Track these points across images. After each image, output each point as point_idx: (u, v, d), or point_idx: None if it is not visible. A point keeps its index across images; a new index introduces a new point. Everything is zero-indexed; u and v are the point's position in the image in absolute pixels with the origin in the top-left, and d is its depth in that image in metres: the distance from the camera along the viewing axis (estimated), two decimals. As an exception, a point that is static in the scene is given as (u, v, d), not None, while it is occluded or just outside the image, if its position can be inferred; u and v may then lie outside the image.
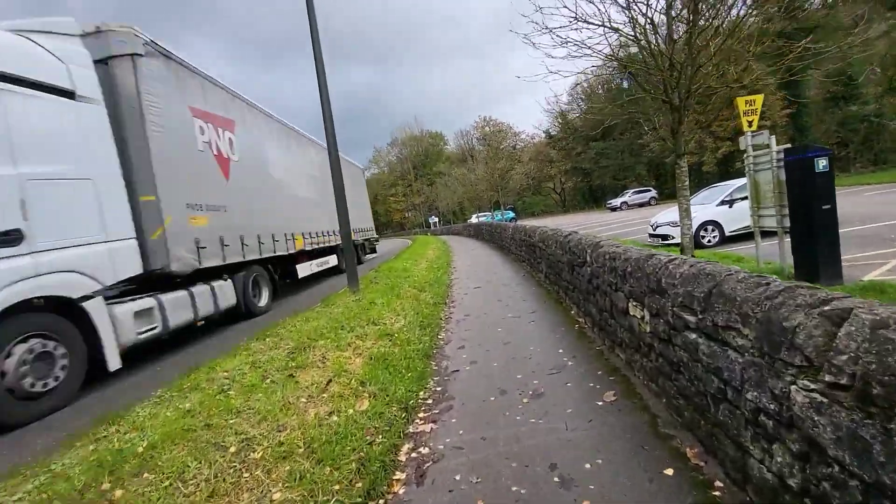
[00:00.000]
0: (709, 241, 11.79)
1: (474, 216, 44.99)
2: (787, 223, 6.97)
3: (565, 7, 7.44)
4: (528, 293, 7.73)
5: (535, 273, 9.27)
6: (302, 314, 6.74)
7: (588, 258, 4.83)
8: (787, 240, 7.06)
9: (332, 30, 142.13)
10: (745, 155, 7.95)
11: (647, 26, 6.92)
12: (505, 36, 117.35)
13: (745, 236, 11.71)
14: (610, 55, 7.74)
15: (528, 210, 67.40)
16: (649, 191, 41.59)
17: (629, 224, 20.60)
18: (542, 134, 69.49)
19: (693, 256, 7.78)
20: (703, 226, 11.84)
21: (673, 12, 6.94)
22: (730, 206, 11.88)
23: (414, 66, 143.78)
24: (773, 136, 7.20)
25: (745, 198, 12.09)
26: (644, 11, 6.74)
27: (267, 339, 5.37)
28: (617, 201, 40.24)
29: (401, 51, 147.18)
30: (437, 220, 62.21)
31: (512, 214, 44.91)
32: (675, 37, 7.08)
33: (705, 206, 12.20)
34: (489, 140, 68.96)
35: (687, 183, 7.74)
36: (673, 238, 12.05)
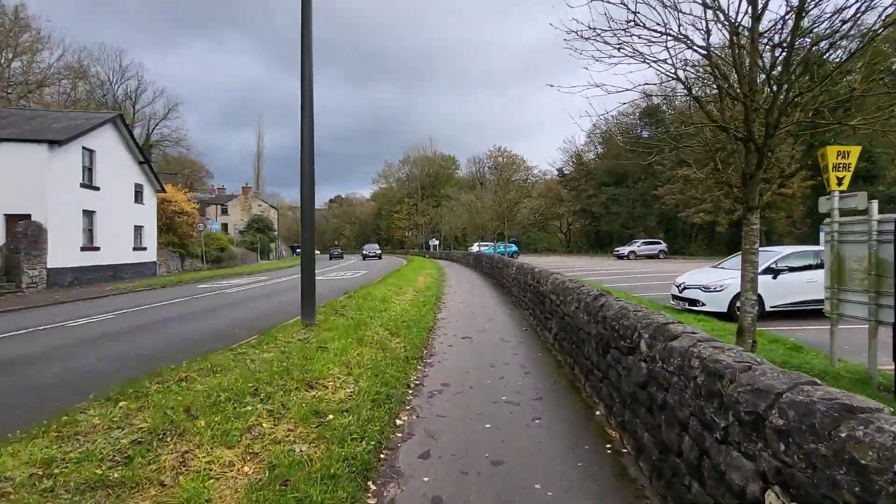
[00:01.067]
0: (745, 315, 9.96)
1: (476, 244, 43.29)
2: (887, 316, 5.20)
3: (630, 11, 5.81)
4: (531, 360, 5.87)
5: (542, 330, 7.42)
6: (215, 357, 4.84)
7: (644, 347, 3.02)
8: (880, 337, 5.31)
9: (360, 49, 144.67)
10: (827, 220, 6.26)
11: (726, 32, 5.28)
12: (530, 74, 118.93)
13: (786, 314, 9.93)
14: (671, 73, 6.04)
15: (532, 245, 65.88)
16: (659, 243, 40.07)
17: (639, 277, 18.82)
18: (555, 171, 68.64)
19: (754, 343, 5.97)
20: (740, 297, 10.04)
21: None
22: (774, 277, 10.13)
23: (438, 92, 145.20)
24: (875, 202, 5.50)
25: (794, 269, 10.43)
26: (727, 12, 5.10)
27: (120, 405, 3.47)
28: (625, 249, 38.62)
29: (427, 74, 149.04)
30: (437, 242, 60.57)
31: (514, 248, 43.20)
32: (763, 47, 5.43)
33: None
34: (501, 170, 67.99)
35: (757, 245, 6.00)
36: (703, 305, 10.25)
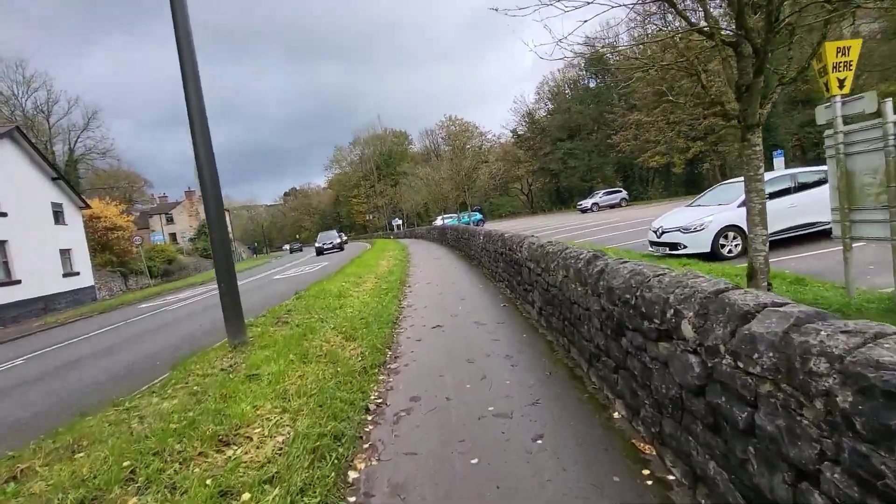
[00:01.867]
0: (730, 252, 9.36)
1: (439, 218, 42.11)
2: (917, 233, 4.45)
3: None
4: (516, 345, 4.86)
5: (522, 304, 6.43)
6: (87, 422, 3.50)
7: (689, 331, 2.01)
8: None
9: (303, 26, 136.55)
10: (828, 132, 5.43)
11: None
12: (474, 44, 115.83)
13: (770, 245, 9.38)
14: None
15: (496, 211, 65.32)
16: (620, 191, 40.01)
17: (608, 227, 18.23)
18: (509, 133, 67.60)
19: (769, 284, 5.15)
20: (723, 232, 9.40)
21: None
22: (754, 208, 9.48)
23: (383, 69, 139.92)
24: (889, 101, 4.65)
25: (773, 196, 9.85)
26: None
27: None
28: (588, 202, 38.33)
29: (368, 52, 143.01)
30: (400, 222, 58.97)
31: (479, 216, 42.30)
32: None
33: (722, 207, 9.78)
34: (454, 139, 66.27)
35: (762, 171, 5.10)
36: (685, 247, 9.55)
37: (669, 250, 9.87)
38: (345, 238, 60.25)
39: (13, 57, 62.21)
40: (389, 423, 3.45)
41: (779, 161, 25.69)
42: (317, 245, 35.27)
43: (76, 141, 56.86)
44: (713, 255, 9.28)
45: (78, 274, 23.54)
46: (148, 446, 2.85)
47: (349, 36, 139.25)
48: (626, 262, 3.05)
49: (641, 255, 10.07)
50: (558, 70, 62.79)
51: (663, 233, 10.10)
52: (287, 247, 58.36)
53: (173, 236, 67.48)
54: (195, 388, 3.88)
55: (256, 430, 3.19)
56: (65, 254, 22.77)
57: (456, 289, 9.01)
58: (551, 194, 64.35)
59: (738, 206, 9.58)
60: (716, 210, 9.76)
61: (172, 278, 35.28)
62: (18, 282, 18.97)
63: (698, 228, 9.49)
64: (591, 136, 55.60)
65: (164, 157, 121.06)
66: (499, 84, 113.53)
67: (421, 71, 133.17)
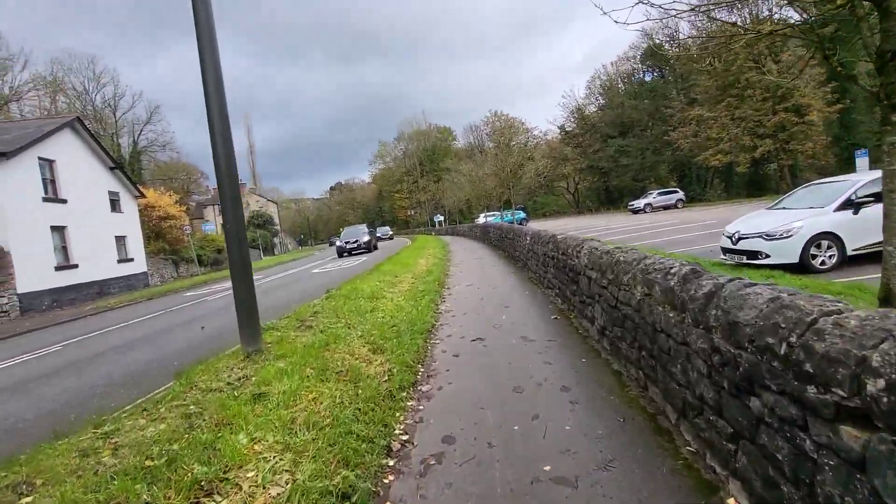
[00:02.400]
0: (822, 264, 7.99)
1: (482, 216, 41.20)
2: None
3: None
4: (574, 375, 3.99)
5: (578, 318, 5.51)
6: (50, 454, 2.95)
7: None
8: None
9: (349, 24, 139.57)
10: None
11: None
12: (521, 38, 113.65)
13: (870, 258, 7.91)
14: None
15: (540, 210, 63.65)
16: (676, 192, 37.49)
17: (666, 230, 16.65)
18: (557, 130, 65.51)
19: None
20: (815, 241, 8.02)
21: None
22: (855, 212, 8.08)
23: (426, 65, 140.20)
24: None
25: (879, 199, 8.31)
26: None
27: None
28: (640, 203, 36.19)
29: (412, 49, 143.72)
30: (442, 219, 58.51)
31: (523, 215, 41.09)
32: None
33: (815, 211, 8.38)
34: (500, 135, 64.95)
35: (915, 163, 3.95)
36: (766, 256, 8.26)
37: (747, 259, 8.60)
38: (388, 232, 60.61)
39: (85, 54, 66.55)
40: (415, 475, 2.71)
41: (862, 161, 22.96)
42: (337, 244, 25.83)
43: (139, 134, 60.29)
44: (802, 267, 7.94)
45: (132, 260, 24.50)
46: (109, 495, 2.24)
47: (393, 32, 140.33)
48: (755, 284, 2.14)
49: (711, 262, 8.83)
50: (611, 63, 60.09)
51: (740, 239, 8.82)
52: (330, 240, 59.59)
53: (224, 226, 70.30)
54: (192, 407, 3.30)
55: (249, 475, 2.53)
56: (120, 240, 23.72)
57: (499, 294, 8.18)
58: (599, 193, 61.84)
59: (836, 211, 8.17)
60: (806, 214, 8.37)
61: (221, 267, 36.43)
62: (76, 266, 19.83)
63: (784, 235, 8.17)
64: (646, 133, 52.82)
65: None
66: (546, 79, 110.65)
67: (464, 65, 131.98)
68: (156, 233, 28.55)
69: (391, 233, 60.28)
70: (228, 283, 19.54)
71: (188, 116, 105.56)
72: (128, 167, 54.97)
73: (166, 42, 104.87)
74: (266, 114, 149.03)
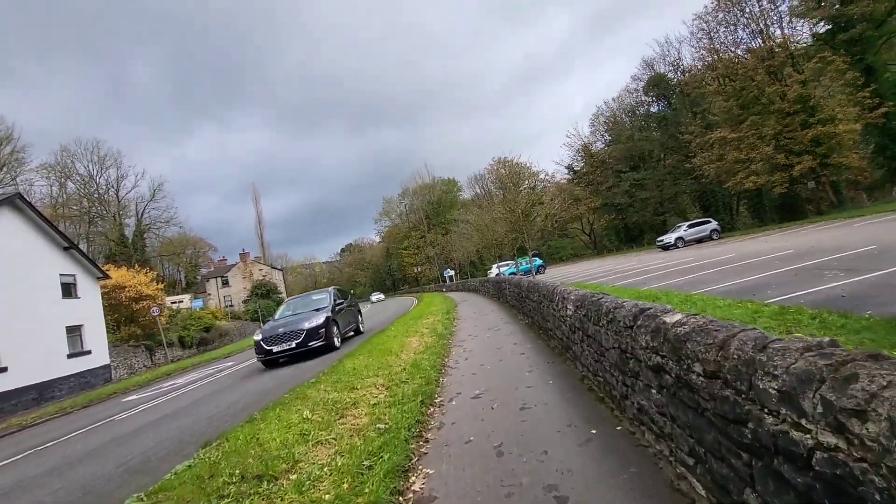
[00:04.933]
0: None
1: (494, 266, 37.42)
2: None
3: None
4: None
5: (712, 487, 1.54)
6: None
7: None
8: None
9: (363, 95, 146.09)
10: None
11: None
12: (523, 92, 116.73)
13: None
14: None
15: (556, 255, 59.66)
16: (709, 222, 33.18)
17: (725, 270, 12.30)
18: (564, 170, 62.94)
19: None
20: None
21: None
22: None
23: (433, 123, 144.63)
24: None
25: None
26: None
27: None
28: (671, 237, 31.95)
29: (420, 110, 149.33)
30: (452, 273, 54.84)
31: (540, 262, 37.19)
32: None
33: None
34: (505, 181, 62.54)
35: None
36: None
37: None
38: (381, 298, 59.82)
39: (91, 139, 67.67)
40: None
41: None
42: (260, 341, 12.49)
43: (143, 212, 59.24)
44: None
45: (89, 353, 20.95)
46: None
47: (403, 97, 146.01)
48: None
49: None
50: (613, 98, 58.28)
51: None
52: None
53: (228, 299, 67.48)
54: None
55: None
56: (73, 331, 20.31)
57: (531, 418, 4.19)
58: (618, 232, 57.95)
59: None
60: None
61: (209, 347, 32.70)
62: (4, 369, 16.26)
63: None
64: (661, 164, 49.67)
65: (238, 224, 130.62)
66: (548, 127, 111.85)
67: (469, 121, 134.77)
68: (127, 316, 25.21)
69: (383, 297, 63.86)
70: (194, 374, 15.14)
71: (213, 192, 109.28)
72: (130, 245, 53.31)
73: (194, 126, 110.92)
74: (293, 179, 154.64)
